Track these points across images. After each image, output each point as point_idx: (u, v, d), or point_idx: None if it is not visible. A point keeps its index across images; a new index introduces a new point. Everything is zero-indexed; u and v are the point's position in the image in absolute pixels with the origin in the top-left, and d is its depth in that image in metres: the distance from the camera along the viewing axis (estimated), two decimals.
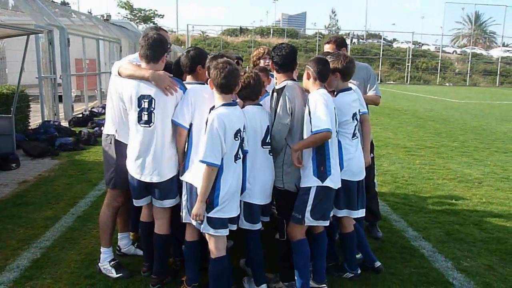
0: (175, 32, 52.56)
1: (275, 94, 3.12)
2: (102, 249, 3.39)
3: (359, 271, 3.39)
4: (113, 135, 3.25)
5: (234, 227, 2.95)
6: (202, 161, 2.69)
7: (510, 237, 4.32)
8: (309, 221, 2.97)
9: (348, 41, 46.89)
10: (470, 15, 54.28)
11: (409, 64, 44.45)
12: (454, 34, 60.33)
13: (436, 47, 50.19)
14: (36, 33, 8.58)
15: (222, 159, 2.73)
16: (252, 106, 3.04)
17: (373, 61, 43.50)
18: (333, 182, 2.99)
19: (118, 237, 3.69)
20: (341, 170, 3.09)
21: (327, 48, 4.12)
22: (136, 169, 3.04)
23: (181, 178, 2.99)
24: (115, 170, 3.26)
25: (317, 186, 2.95)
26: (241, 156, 2.87)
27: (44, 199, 5.11)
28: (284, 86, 3.06)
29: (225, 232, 2.82)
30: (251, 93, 3.04)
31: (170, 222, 3.16)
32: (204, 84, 3.10)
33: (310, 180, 2.97)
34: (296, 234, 3.04)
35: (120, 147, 3.21)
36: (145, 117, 2.95)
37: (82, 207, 4.86)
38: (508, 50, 49.49)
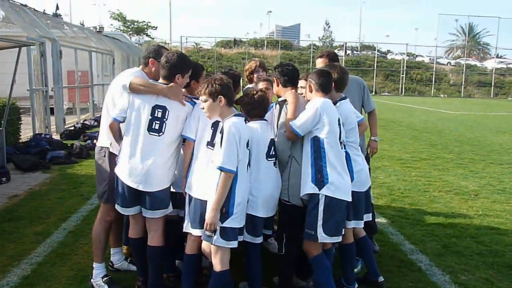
0: (168, 43, 52.87)
1: (277, 106, 3.23)
2: (95, 265, 3.37)
3: (356, 286, 3.38)
4: (107, 147, 3.26)
5: (241, 238, 2.95)
6: (220, 168, 2.74)
7: (508, 250, 4.34)
8: (322, 237, 2.95)
9: (342, 53, 47.60)
10: (463, 27, 55.14)
11: (404, 75, 44.92)
12: (448, 45, 61.22)
13: (430, 59, 50.76)
14: (28, 45, 8.60)
15: (236, 168, 2.80)
16: (254, 122, 3.11)
17: (367, 72, 43.91)
18: (334, 192, 2.97)
19: (111, 252, 3.67)
20: (351, 182, 3.14)
21: (320, 62, 4.18)
22: (130, 175, 3.01)
23: (185, 190, 3.02)
24: (108, 184, 3.25)
25: (325, 197, 2.95)
26: (249, 167, 2.96)
27: (35, 214, 5.07)
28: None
29: (235, 243, 2.83)
30: (262, 111, 3.16)
31: (163, 233, 3.16)
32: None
33: (307, 187, 2.99)
34: (312, 251, 3.04)
35: (113, 159, 3.21)
36: (156, 126, 3.01)
37: (74, 222, 4.83)
38: (502, 62, 50.11)
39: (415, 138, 12.45)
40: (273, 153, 3.10)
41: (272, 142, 3.11)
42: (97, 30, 18.15)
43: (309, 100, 3.21)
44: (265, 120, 3.16)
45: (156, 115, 3.01)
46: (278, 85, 3.33)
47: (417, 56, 52.37)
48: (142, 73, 3.27)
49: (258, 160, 3.03)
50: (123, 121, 3.06)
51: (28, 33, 9.80)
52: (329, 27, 49.15)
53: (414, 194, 6.35)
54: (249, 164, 2.95)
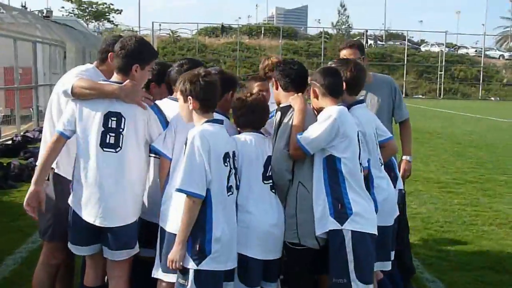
0: (136, 32, 53.20)
1: (279, 113, 3.24)
2: None
3: None
4: (52, 168, 3.24)
5: (231, 286, 2.94)
6: (180, 190, 2.75)
7: None
8: (356, 285, 2.96)
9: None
10: None
11: (442, 73, 45.38)
12: (500, 33, 61.82)
13: (477, 51, 51.37)
14: None
15: (208, 190, 2.80)
16: (247, 133, 3.13)
17: (395, 69, 44.30)
18: (362, 225, 2.99)
19: None
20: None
21: (346, 54, 4.19)
22: (85, 207, 2.99)
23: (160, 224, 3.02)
24: (54, 216, 3.23)
25: (352, 232, 2.96)
26: (236, 190, 2.97)
27: None
28: (288, 105, 3.19)
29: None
30: (255, 120, 3.17)
31: (130, 280, 3.14)
32: None
33: (326, 223, 3.00)
34: None
35: (61, 184, 3.20)
36: (111, 140, 2.97)
37: (11, 266, 4.81)
38: None
39: (458, 154, 12.51)
40: (271, 174, 3.11)
41: (270, 160, 3.12)
42: (44, 15, 18.25)
43: (319, 109, 3.22)
44: (260, 133, 3.18)
45: (110, 125, 2.97)
46: (277, 88, 3.34)
47: (459, 47, 53.08)
48: (96, 71, 3.29)
49: (249, 183, 3.04)
50: (71, 136, 3.04)
51: None
52: (345, 10, 49.39)
53: (457, 228, 6.35)
54: (236, 187, 2.97)
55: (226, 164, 2.89)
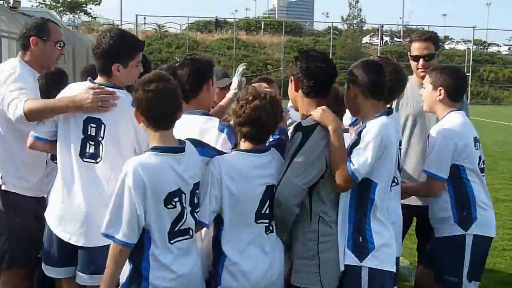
0: (117, 26, 53.42)
1: (299, 134, 2.94)
2: None
3: None
4: None
5: None
6: (105, 235, 2.64)
7: None
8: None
9: (376, 40, 48.19)
10: None
11: (470, 74, 45.49)
12: None
13: (510, 49, 51.63)
14: None
15: (148, 233, 2.68)
16: (239, 153, 2.96)
17: None
18: (380, 260, 3.03)
19: None
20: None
21: (418, 48, 4.27)
22: (61, 222, 3.02)
23: None
24: (9, 239, 3.25)
25: (369, 269, 2.99)
26: (190, 234, 2.81)
27: None
28: (311, 124, 2.93)
29: None
30: (256, 133, 2.94)
31: None
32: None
33: (345, 257, 3.00)
34: None
35: (11, 201, 3.26)
36: (91, 149, 3.03)
37: None
38: None
39: (488, 168, 12.43)
40: (268, 212, 2.91)
41: (268, 191, 2.91)
42: (11, 5, 18.32)
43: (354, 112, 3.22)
44: (264, 150, 2.98)
45: (89, 132, 3.01)
46: (297, 90, 3.10)
47: (489, 44, 53.31)
48: (24, 67, 3.33)
49: (238, 220, 2.89)
50: (52, 139, 3.07)
51: None
52: (357, 2, 49.60)
53: (489, 254, 6.31)
54: (185, 228, 2.78)
55: (170, 206, 2.69)
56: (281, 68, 41.97)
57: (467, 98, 43.25)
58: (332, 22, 54.39)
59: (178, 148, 2.76)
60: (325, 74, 3.03)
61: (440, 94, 3.69)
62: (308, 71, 3.00)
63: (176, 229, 2.73)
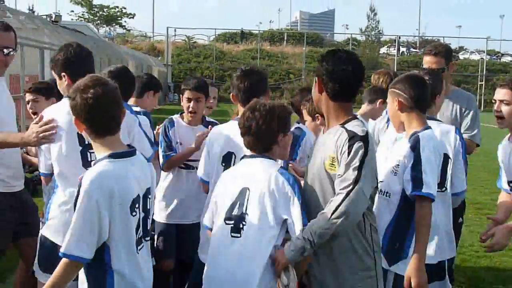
0: (150, 38, 53.95)
1: (358, 144, 2.66)
2: None
3: None
4: None
5: None
6: (64, 255, 2.36)
7: None
8: None
9: (393, 50, 47.91)
10: None
11: (483, 83, 44.98)
12: None
13: None
14: None
15: (107, 249, 2.43)
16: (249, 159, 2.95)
17: None
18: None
19: None
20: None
21: (428, 62, 4.33)
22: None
23: None
24: None
25: (396, 275, 3.12)
26: (145, 241, 2.65)
27: None
28: (365, 133, 2.70)
29: None
30: (256, 142, 2.88)
31: None
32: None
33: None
34: None
35: None
36: (92, 157, 2.97)
37: None
38: None
39: (498, 173, 12.38)
40: (240, 213, 2.78)
41: (243, 195, 2.81)
42: (53, 19, 18.62)
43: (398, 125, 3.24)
44: (266, 157, 2.90)
45: (87, 141, 2.87)
46: (320, 92, 2.84)
47: (502, 55, 52.60)
48: None
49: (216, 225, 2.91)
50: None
51: None
52: (375, 14, 49.30)
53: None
54: (147, 235, 2.66)
55: (134, 213, 2.49)
56: (303, 77, 41.97)
57: (481, 107, 43.01)
58: (351, 34, 54.30)
59: (130, 152, 2.58)
60: (352, 77, 2.77)
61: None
62: (334, 74, 2.74)
63: (138, 237, 2.54)
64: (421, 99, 3.13)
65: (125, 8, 55.59)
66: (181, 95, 4.32)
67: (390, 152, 3.32)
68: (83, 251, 2.34)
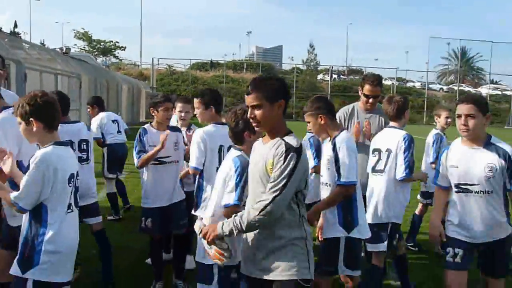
0: (138, 66, 53.35)
1: (292, 154, 2.55)
2: None
3: None
4: None
5: None
6: (14, 202, 2.62)
7: None
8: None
9: (327, 77, 48.80)
10: (456, 51, 57.24)
11: None
12: (440, 70, 63.39)
13: (421, 84, 52.50)
14: None
15: (45, 207, 2.65)
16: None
17: (354, 98, 44.60)
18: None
19: None
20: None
21: (369, 90, 4.61)
22: None
23: None
24: None
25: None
26: (75, 207, 2.84)
27: None
28: (299, 145, 2.60)
29: None
30: (230, 135, 3.17)
31: None
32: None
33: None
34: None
35: None
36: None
37: None
38: (497, 88, 52.11)
39: None
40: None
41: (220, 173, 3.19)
42: (64, 51, 18.41)
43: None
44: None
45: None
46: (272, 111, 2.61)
47: (407, 81, 54.09)
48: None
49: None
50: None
51: None
52: (313, 49, 50.38)
53: None
54: (75, 204, 2.84)
55: (70, 184, 2.75)
56: None
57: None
58: (296, 64, 54.67)
59: (67, 143, 2.86)
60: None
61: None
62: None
63: (69, 203, 2.76)
64: (332, 110, 3.56)
65: (118, 42, 54.98)
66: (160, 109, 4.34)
67: (323, 154, 3.64)
68: (26, 204, 2.60)
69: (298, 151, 2.52)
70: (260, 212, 2.47)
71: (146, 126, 4.45)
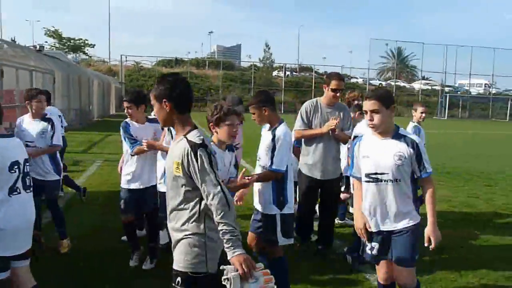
0: (107, 62, 51.91)
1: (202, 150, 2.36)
2: None
3: None
4: None
5: (22, 263, 2.89)
6: None
7: None
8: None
9: (281, 74, 49.28)
10: (393, 50, 59.01)
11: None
12: (379, 68, 65.21)
13: (363, 80, 53.93)
14: None
15: None
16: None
17: (306, 93, 45.78)
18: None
19: None
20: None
21: (336, 84, 4.75)
22: None
23: None
24: None
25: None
26: (25, 190, 2.87)
27: None
28: (202, 140, 2.39)
29: (4, 275, 2.76)
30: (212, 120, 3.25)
31: None
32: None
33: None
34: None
35: None
36: None
37: None
38: (428, 83, 54.45)
39: None
40: None
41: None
42: (37, 49, 17.78)
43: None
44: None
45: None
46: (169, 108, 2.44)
47: (351, 77, 55.37)
48: None
49: None
50: None
51: None
52: (269, 48, 50.48)
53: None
54: (25, 187, 2.89)
55: (13, 171, 2.79)
56: (220, 91, 42.28)
57: None
58: (253, 62, 54.81)
59: (10, 135, 2.97)
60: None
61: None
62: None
63: (14, 187, 2.81)
64: (274, 103, 3.67)
65: (87, 40, 53.05)
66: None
67: (263, 139, 3.70)
68: None
69: (203, 145, 2.36)
70: (221, 202, 2.29)
71: (127, 120, 4.47)
